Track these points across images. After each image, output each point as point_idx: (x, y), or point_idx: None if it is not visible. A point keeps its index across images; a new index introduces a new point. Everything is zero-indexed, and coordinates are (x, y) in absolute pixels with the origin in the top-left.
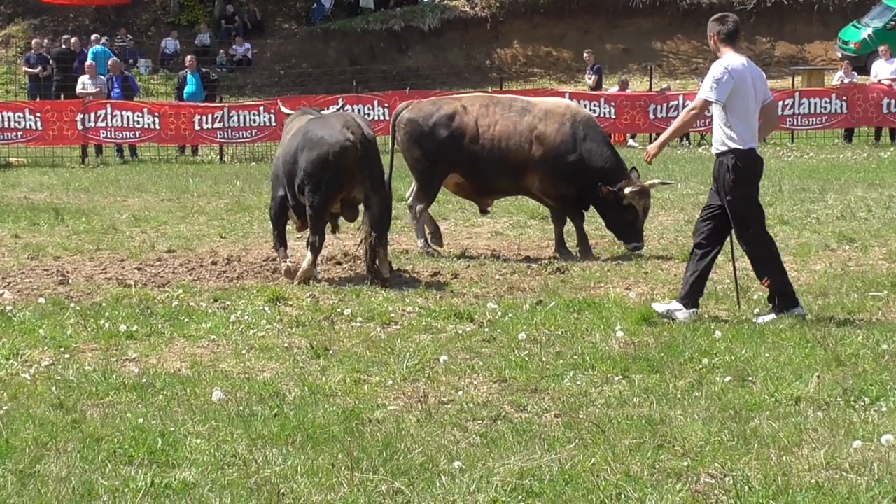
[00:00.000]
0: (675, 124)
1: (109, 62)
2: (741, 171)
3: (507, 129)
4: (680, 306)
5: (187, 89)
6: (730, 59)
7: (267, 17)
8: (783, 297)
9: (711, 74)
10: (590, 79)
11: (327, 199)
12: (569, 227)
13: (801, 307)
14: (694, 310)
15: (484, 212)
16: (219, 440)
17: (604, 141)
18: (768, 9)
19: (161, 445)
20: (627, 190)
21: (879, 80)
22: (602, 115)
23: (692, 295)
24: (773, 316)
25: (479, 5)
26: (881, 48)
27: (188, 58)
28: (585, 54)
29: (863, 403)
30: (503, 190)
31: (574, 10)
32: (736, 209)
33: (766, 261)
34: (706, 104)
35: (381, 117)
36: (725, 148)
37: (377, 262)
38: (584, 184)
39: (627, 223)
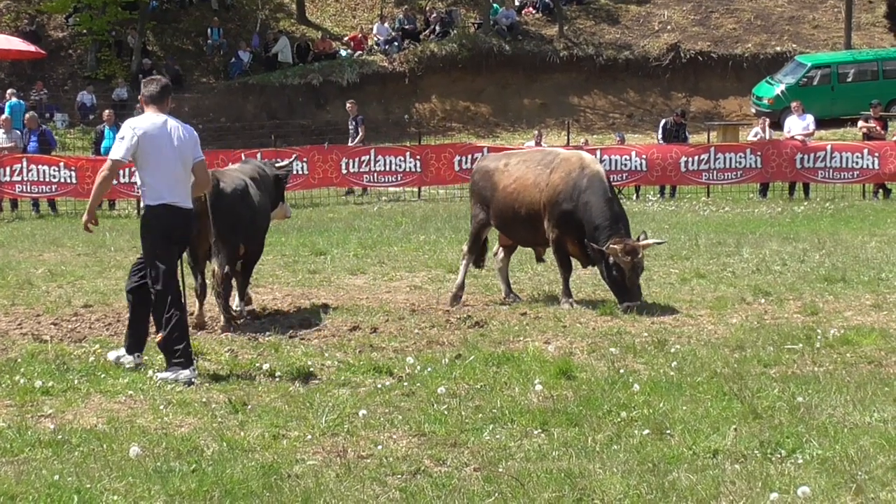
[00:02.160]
0: (94, 188)
1: (26, 116)
2: (148, 226)
3: (527, 181)
4: (124, 352)
5: (105, 143)
6: (141, 119)
7: (185, 71)
8: (172, 355)
9: (119, 134)
10: (353, 129)
11: (194, 245)
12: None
13: (192, 370)
14: (137, 353)
15: (539, 259)
16: (136, 497)
17: (604, 197)
18: (683, 65)
19: (77, 502)
20: (609, 246)
21: (792, 136)
22: None
23: (135, 341)
24: (167, 374)
25: (397, 60)
26: (793, 104)
27: (106, 112)
28: (348, 105)
29: (779, 456)
30: (532, 241)
31: (492, 65)
32: (146, 262)
33: (166, 315)
34: (114, 164)
35: (300, 172)
36: (143, 203)
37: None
38: (578, 236)
39: (615, 281)
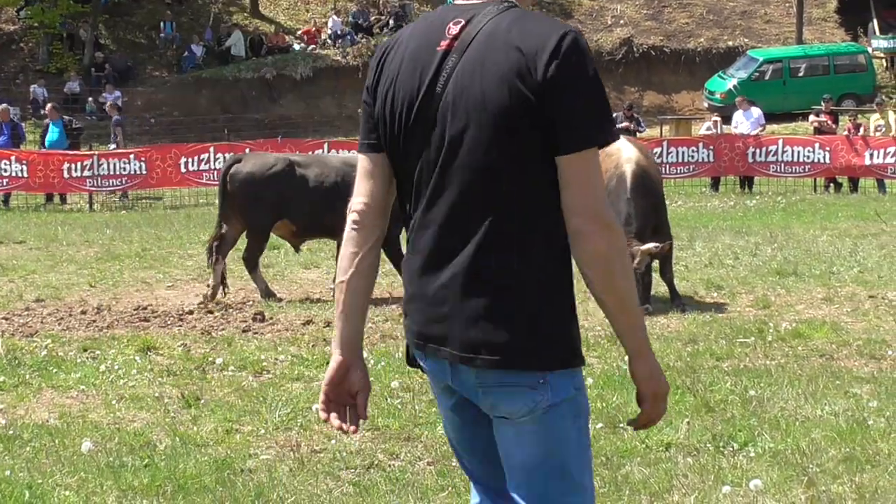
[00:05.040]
0: None
1: None
2: None
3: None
4: None
5: (49, 137)
6: None
7: (138, 64)
8: None
9: None
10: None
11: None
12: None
13: None
14: None
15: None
16: (88, 492)
17: (622, 197)
18: (636, 59)
19: (28, 498)
20: None
21: (745, 134)
22: None
23: None
24: None
25: (350, 54)
26: (737, 99)
27: (48, 107)
28: (108, 106)
29: (732, 449)
30: None
31: None
32: None
33: None
34: None
35: None
36: None
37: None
38: None
39: None
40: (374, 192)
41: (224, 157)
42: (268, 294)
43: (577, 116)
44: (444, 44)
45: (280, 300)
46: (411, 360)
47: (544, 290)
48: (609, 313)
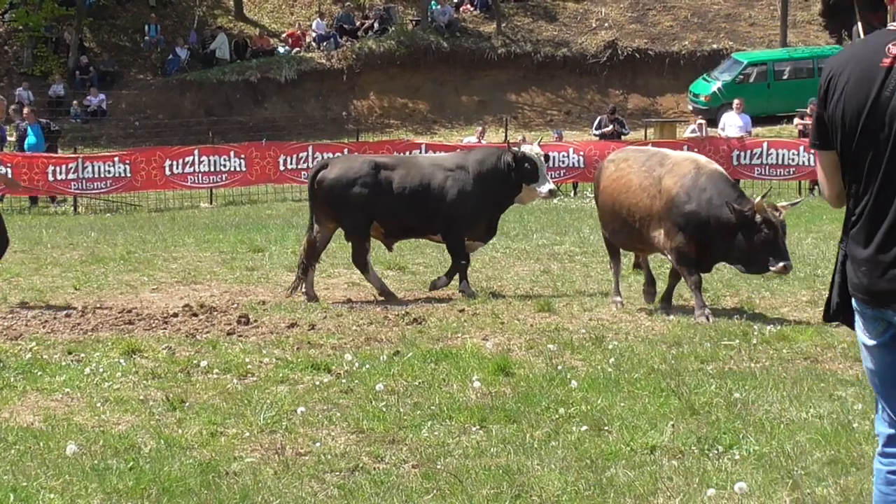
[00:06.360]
0: None
1: None
2: None
3: (629, 182)
4: None
5: (27, 141)
6: None
7: (122, 67)
8: None
9: None
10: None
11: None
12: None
13: None
14: None
15: (637, 266)
16: (73, 495)
17: (728, 184)
18: (621, 62)
19: (13, 501)
20: (758, 202)
21: (728, 136)
22: None
23: None
24: None
25: (335, 57)
26: (735, 101)
27: (25, 110)
28: (25, 113)
29: (716, 452)
30: (630, 246)
31: (430, 62)
32: None
33: None
34: None
35: (237, 168)
36: None
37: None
38: (701, 237)
39: (766, 241)
40: (836, 181)
41: (209, 160)
42: (385, 293)
43: None
44: (886, 61)
45: (400, 301)
46: (835, 316)
47: None
48: None
